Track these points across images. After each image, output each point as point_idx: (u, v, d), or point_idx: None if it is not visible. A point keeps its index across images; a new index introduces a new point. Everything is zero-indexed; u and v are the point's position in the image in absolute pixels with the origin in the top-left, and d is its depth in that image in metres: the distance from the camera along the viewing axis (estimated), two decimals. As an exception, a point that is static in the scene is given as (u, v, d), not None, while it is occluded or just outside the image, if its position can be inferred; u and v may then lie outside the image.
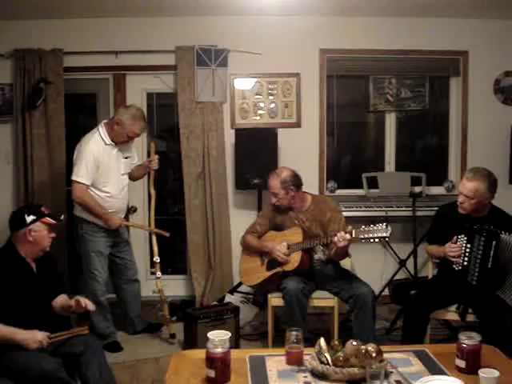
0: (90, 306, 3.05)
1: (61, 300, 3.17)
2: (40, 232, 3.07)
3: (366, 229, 3.58)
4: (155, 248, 4.48)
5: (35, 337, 2.79)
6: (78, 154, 4.16)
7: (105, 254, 4.35)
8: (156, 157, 4.50)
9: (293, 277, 3.91)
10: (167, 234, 4.51)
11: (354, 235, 3.60)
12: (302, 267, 3.94)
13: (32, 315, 2.95)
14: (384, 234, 3.52)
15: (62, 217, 3.22)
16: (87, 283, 4.32)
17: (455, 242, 3.65)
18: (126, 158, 4.39)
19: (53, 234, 3.15)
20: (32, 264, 3.11)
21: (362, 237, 3.58)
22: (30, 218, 3.04)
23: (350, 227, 3.67)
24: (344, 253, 3.87)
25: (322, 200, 4.20)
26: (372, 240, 3.55)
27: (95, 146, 4.15)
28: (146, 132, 5.45)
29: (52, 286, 3.19)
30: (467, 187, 3.61)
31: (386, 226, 3.53)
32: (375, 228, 3.55)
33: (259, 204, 5.16)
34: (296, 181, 4.04)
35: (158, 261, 4.47)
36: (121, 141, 4.26)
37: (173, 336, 4.48)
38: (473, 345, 2.51)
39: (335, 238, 3.64)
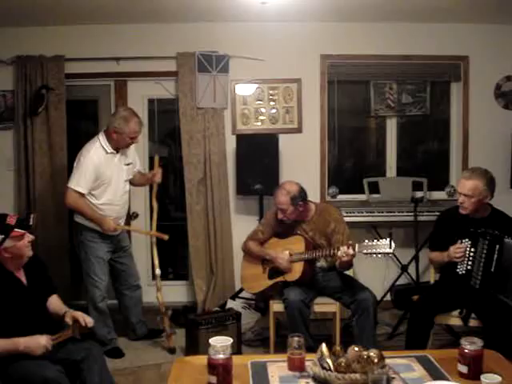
0: (90, 322, 3.00)
1: (53, 306, 3.13)
2: (14, 246, 2.92)
3: (370, 243, 3.54)
4: (156, 261, 4.44)
5: (39, 342, 2.77)
6: (79, 162, 4.15)
7: (105, 260, 4.34)
8: (160, 170, 4.50)
9: (294, 287, 3.90)
10: (166, 237, 4.45)
11: (356, 250, 3.57)
12: (303, 279, 3.93)
13: (30, 325, 2.91)
14: (388, 250, 3.49)
15: (32, 221, 3.05)
16: (87, 289, 4.32)
17: (459, 245, 3.67)
18: (128, 164, 4.39)
19: (29, 238, 2.99)
20: (21, 275, 3.03)
21: (365, 251, 3.54)
22: None
23: (351, 242, 3.64)
24: (348, 265, 3.85)
25: (326, 210, 4.15)
26: (375, 255, 3.54)
27: (96, 156, 4.14)
28: (147, 137, 5.49)
29: (44, 290, 3.14)
30: (466, 186, 3.65)
31: (390, 241, 3.48)
32: (379, 243, 3.51)
33: (260, 209, 5.16)
34: (304, 195, 4.02)
35: (159, 273, 4.45)
36: (125, 145, 4.26)
37: (172, 351, 4.41)
38: (475, 350, 2.50)
39: (339, 253, 3.63)
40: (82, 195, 4.13)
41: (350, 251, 3.57)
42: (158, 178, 4.50)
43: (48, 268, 3.27)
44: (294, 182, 4.07)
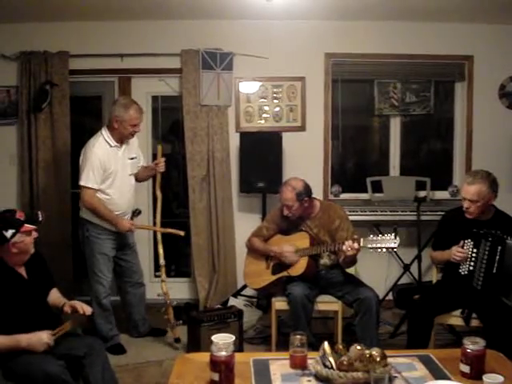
0: (88, 310, 3.02)
1: (53, 299, 3.15)
2: (23, 241, 2.94)
3: (374, 238, 3.55)
4: (161, 251, 4.46)
5: (41, 339, 2.77)
6: (84, 158, 4.16)
7: (110, 257, 4.35)
8: (163, 159, 4.49)
9: (298, 282, 3.90)
10: (182, 233, 4.46)
11: (361, 244, 3.57)
12: (307, 274, 3.93)
13: (32, 320, 2.91)
14: (392, 245, 3.48)
15: (41, 217, 3.10)
16: (91, 285, 4.33)
17: (462, 247, 3.65)
18: (132, 158, 4.39)
19: (35, 235, 3.03)
20: (22, 271, 3.04)
21: (369, 246, 3.54)
22: (9, 233, 2.88)
23: (356, 236, 3.65)
24: (352, 260, 3.85)
25: (331, 207, 4.16)
26: (380, 250, 3.54)
27: (100, 150, 4.14)
28: (151, 134, 5.49)
29: (44, 284, 3.15)
30: (470, 192, 3.63)
31: (395, 236, 3.48)
32: (384, 238, 3.51)
33: (263, 207, 5.16)
34: (309, 191, 4.02)
35: (164, 264, 4.47)
36: (128, 135, 4.24)
37: (177, 340, 4.45)
38: (477, 350, 2.49)
39: (344, 247, 3.63)
40: (96, 191, 4.14)
41: (355, 245, 3.57)
42: (161, 167, 4.49)
43: (48, 263, 3.28)
44: (299, 178, 4.07)
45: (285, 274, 4.00)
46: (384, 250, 3.53)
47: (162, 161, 4.49)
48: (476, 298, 3.57)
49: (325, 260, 4.05)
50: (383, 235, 3.55)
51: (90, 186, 4.11)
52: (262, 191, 5.13)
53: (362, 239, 3.59)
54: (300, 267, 3.94)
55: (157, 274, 4.71)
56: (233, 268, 5.37)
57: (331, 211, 4.07)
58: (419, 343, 3.52)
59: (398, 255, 5.30)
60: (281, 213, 4.09)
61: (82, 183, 4.13)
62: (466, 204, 3.68)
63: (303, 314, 3.79)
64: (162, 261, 4.47)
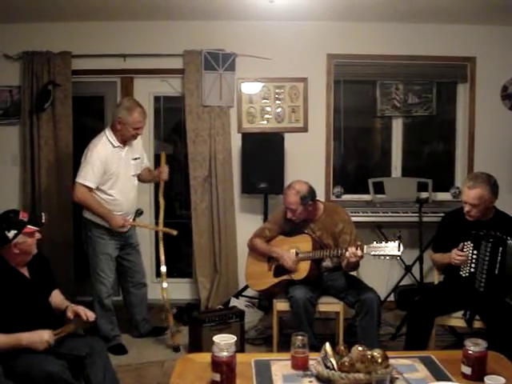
0: (91, 317, 3.03)
1: (55, 301, 3.15)
2: (25, 243, 2.94)
3: (378, 245, 3.53)
4: (162, 257, 4.45)
5: (42, 338, 2.77)
6: (86, 157, 4.16)
7: (113, 257, 4.35)
8: (166, 168, 4.50)
9: (300, 285, 3.89)
10: (175, 233, 4.45)
11: (365, 251, 3.56)
12: (309, 277, 3.92)
13: (34, 319, 2.91)
14: (396, 253, 3.47)
15: (44, 219, 3.09)
16: (93, 285, 4.33)
17: (462, 249, 3.64)
18: (135, 159, 4.40)
19: (38, 236, 3.03)
20: (25, 271, 3.04)
21: (373, 253, 3.53)
22: (11, 234, 2.88)
23: (359, 242, 3.63)
24: (355, 266, 3.84)
25: (334, 210, 4.13)
26: (383, 258, 3.52)
27: (103, 150, 4.15)
28: (153, 135, 5.50)
29: (47, 285, 3.16)
30: (471, 196, 3.60)
31: (399, 244, 3.46)
32: (387, 245, 3.49)
33: (265, 208, 5.16)
34: (313, 194, 4.00)
35: (165, 270, 4.45)
36: (130, 137, 4.24)
37: (177, 349, 4.38)
38: (479, 351, 2.49)
39: (347, 254, 3.62)
40: (91, 190, 4.14)
41: (358, 252, 3.56)
42: (165, 176, 4.51)
43: (50, 263, 3.28)
44: (303, 181, 4.04)
45: (287, 277, 3.99)
46: (387, 257, 3.52)
47: (165, 169, 4.50)
48: (479, 299, 3.57)
49: (327, 262, 4.04)
50: (387, 242, 3.53)
51: (86, 184, 4.11)
52: (263, 192, 5.13)
53: (365, 246, 3.57)
54: (303, 271, 3.92)
55: (158, 279, 4.69)
56: (234, 269, 5.36)
57: (335, 214, 4.05)
58: (418, 345, 3.51)
59: (399, 256, 5.29)
60: (284, 215, 4.07)
61: (79, 180, 4.12)
62: (466, 207, 3.66)
63: (305, 317, 3.79)
64: (163, 268, 4.45)
